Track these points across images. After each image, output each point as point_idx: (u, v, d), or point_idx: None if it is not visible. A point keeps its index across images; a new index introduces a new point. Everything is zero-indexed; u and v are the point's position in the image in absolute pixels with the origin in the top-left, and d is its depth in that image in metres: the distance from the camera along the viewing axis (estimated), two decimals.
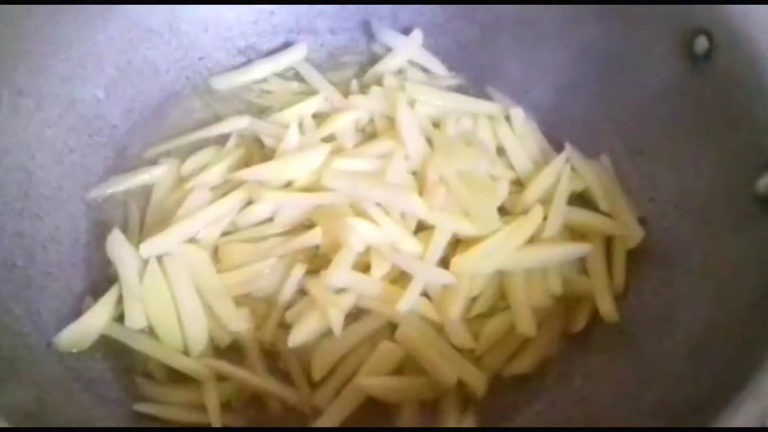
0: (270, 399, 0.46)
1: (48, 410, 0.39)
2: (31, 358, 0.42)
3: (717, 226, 0.47)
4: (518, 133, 0.57)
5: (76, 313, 0.47)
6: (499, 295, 0.50)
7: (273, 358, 0.48)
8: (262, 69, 0.60)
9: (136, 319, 0.46)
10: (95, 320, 0.46)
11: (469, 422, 0.46)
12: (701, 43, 0.48)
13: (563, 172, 0.54)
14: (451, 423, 0.46)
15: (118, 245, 0.49)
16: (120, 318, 0.47)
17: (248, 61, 0.61)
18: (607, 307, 0.49)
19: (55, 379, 0.43)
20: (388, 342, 0.47)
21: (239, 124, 0.57)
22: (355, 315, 0.49)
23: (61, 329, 0.45)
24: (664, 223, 0.52)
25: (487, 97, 0.61)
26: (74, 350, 0.45)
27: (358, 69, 0.62)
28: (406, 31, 0.63)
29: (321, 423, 0.45)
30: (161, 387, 0.46)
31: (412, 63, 0.62)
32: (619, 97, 0.56)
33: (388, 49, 0.62)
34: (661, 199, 0.53)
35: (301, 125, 0.56)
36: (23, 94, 0.49)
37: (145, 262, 0.48)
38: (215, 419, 0.44)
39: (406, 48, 0.62)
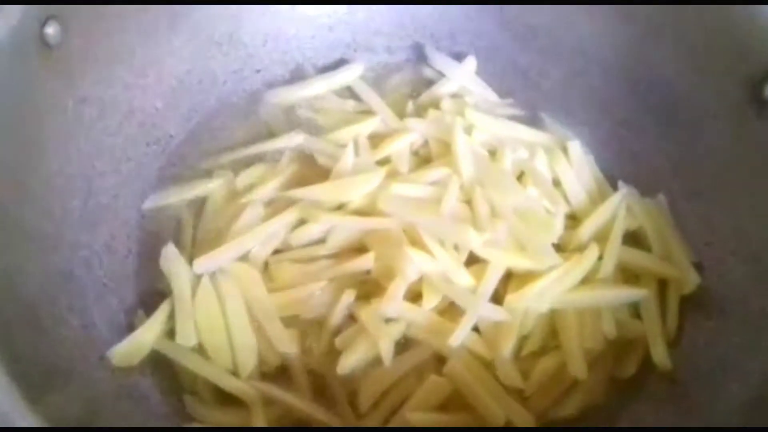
0: (315, 425, 0.46)
1: (98, 424, 0.39)
2: (84, 371, 0.42)
3: None
4: (575, 166, 0.56)
5: (128, 326, 0.47)
6: (550, 335, 0.49)
7: (320, 384, 0.48)
8: (317, 86, 0.60)
9: (187, 336, 0.46)
10: (147, 335, 0.46)
11: None
12: None
13: (619, 209, 0.53)
14: None
15: (172, 259, 0.49)
16: (171, 334, 0.47)
17: (304, 77, 0.61)
18: (660, 354, 0.48)
19: (105, 393, 0.43)
20: (437, 377, 0.47)
21: (294, 140, 0.57)
22: (402, 345, 0.49)
23: (113, 342, 0.45)
24: (721, 270, 0.51)
25: (542, 127, 0.60)
26: (126, 365, 0.45)
27: (413, 90, 0.62)
28: (462, 54, 0.62)
29: None
30: (208, 407, 0.46)
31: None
32: (680, 137, 0.55)
33: (441, 74, 0.61)
34: (718, 244, 0.52)
35: (356, 146, 0.55)
36: (86, 103, 0.49)
37: (198, 278, 0.48)
38: None
39: (459, 74, 0.61)
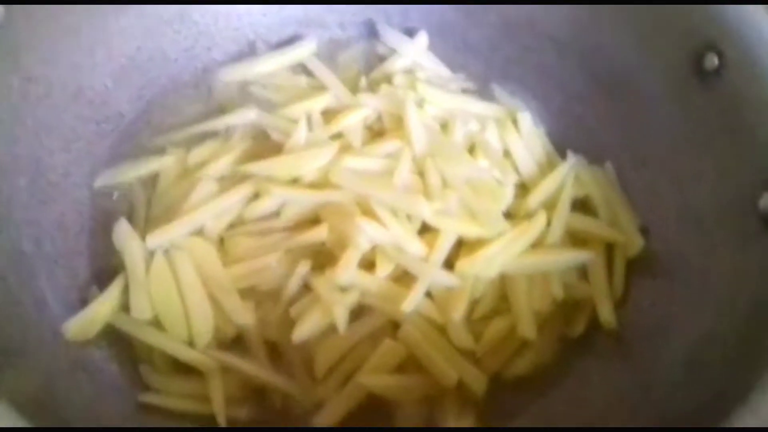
0: (272, 392, 0.47)
1: (55, 398, 0.39)
2: (39, 347, 0.42)
3: (718, 239, 0.48)
4: (525, 138, 0.58)
5: (82, 302, 0.47)
6: (501, 298, 0.51)
7: (276, 352, 0.48)
8: (270, 62, 0.60)
9: (141, 309, 0.47)
10: (101, 309, 0.46)
11: (468, 422, 0.46)
12: (711, 60, 0.49)
13: (567, 178, 0.55)
14: (451, 422, 0.46)
15: (124, 235, 0.49)
16: (125, 308, 0.47)
17: (256, 54, 0.61)
18: (606, 314, 0.50)
19: (61, 368, 0.43)
20: (391, 341, 0.48)
21: (247, 116, 0.57)
22: (357, 313, 0.49)
23: (67, 318, 0.45)
24: (666, 234, 0.52)
25: (493, 100, 0.61)
26: (81, 339, 0.45)
27: (366, 66, 0.62)
28: (414, 30, 0.63)
29: (322, 417, 0.46)
30: (166, 377, 0.46)
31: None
32: (626, 108, 0.56)
33: (394, 50, 0.62)
34: (663, 210, 0.53)
35: (309, 121, 0.56)
36: (32, 81, 0.48)
37: (151, 253, 0.49)
38: (219, 410, 0.44)
39: (411, 50, 0.62)
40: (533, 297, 0.50)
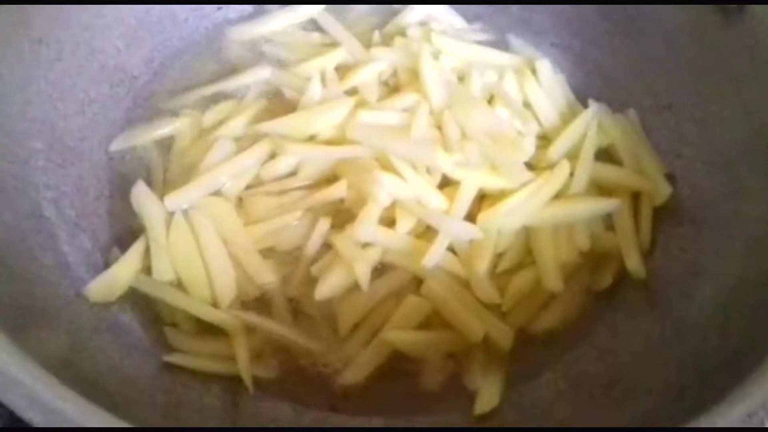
0: (297, 351, 0.47)
1: (81, 359, 0.40)
2: (62, 307, 0.43)
3: (746, 181, 0.47)
4: (545, 87, 0.56)
5: (104, 264, 0.47)
6: (525, 251, 0.50)
7: (299, 311, 0.48)
8: (281, 19, 0.59)
9: (163, 271, 0.46)
10: (123, 272, 0.46)
11: (494, 378, 0.46)
12: None
13: (590, 127, 0.53)
14: (477, 378, 0.46)
15: (143, 198, 0.48)
16: (147, 270, 0.47)
17: (267, 12, 0.60)
18: (634, 263, 0.49)
19: (86, 328, 0.43)
20: (414, 297, 0.47)
21: (260, 75, 0.56)
22: (380, 270, 0.49)
23: (89, 280, 0.45)
24: (692, 179, 0.51)
25: (511, 50, 0.60)
26: (103, 301, 0.45)
27: (379, 20, 0.61)
28: None
29: (348, 375, 0.46)
30: (190, 338, 0.46)
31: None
32: (647, 51, 0.55)
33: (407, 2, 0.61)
34: (689, 154, 0.52)
35: (323, 78, 0.55)
36: (43, 43, 0.48)
37: (171, 215, 0.48)
38: (245, 369, 0.44)
39: (424, 2, 0.60)
40: (558, 249, 0.49)
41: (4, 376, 0.30)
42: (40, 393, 0.30)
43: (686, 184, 0.52)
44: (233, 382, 0.45)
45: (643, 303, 0.48)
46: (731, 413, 0.32)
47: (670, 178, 0.52)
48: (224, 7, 0.59)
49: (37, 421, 0.28)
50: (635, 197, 0.52)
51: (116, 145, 0.52)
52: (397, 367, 0.47)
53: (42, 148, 0.47)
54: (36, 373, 0.31)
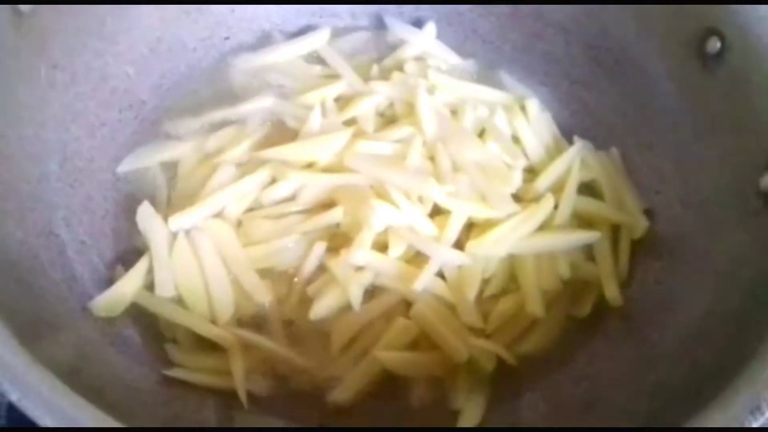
0: (290, 368, 0.49)
1: (87, 370, 0.41)
2: (69, 320, 0.44)
3: (720, 219, 0.49)
4: (533, 123, 0.59)
5: (109, 280, 0.49)
6: (510, 278, 0.52)
7: (294, 330, 0.50)
8: (284, 51, 0.62)
9: (165, 287, 0.49)
10: (127, 288, 0.48)
11: (477, 398, 0.48)
12: (713, 44, 0.50)
13: (574, 162, 0.56)
14: (461, 398, 0.48)
15: (148, 218, 0.51)
16: (150, 287, 0.49)
17: (272, 43, 0.63)
18: (612, 292, 0.52)
19: (91, 341, 0.45)
20: (403, 319, 0.49)
21: (263, 104, 0.58)
22: (371, 293, 0.51)
23: (95, 295, 0.47)
24: (669, 216, 0.54)
25: (502, 86, 0.63)
26: (108, 315, 0.47)
27: (377, 54, 0.64)
28: (424, 19, 0.64)
29: (338, 392, 0.48)
30: (189, 353, 0.48)
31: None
32: (631, 93, 0.58)
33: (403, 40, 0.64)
34: (667, 192, 0.55)
35: (323, 108, 0.58)
36: (59, 69, 0.50)
37: (174, 234, 0.51)
38: (240, 385, 0.46)
39: (420, 40, 0.63)
40: (541, 276, 0.52)
41: (22, 383, 0.32)
42: (55, 401, 0.32)
43: (664, 220, 0.54)
44: (229, 396, 0.47)
45: (620, 331, 0.51)
46: None
47: (649, 213, 0.55)
48: (231, 37, 0.62)
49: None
50: (615, 230, 0.55)
51: (124, 167, 0.55)
52: (386, 386, 0.49)
53: (55, 169, 0.49)
54: (51, 382, 0.33)
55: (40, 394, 0.32)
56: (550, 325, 0.51)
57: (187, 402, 0.46)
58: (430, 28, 0.64)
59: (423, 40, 0.63)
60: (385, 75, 0.61)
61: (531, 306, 0.50)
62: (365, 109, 0.58)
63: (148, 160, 0.56)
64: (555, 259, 0.53)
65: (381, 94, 0.59)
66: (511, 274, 0.52)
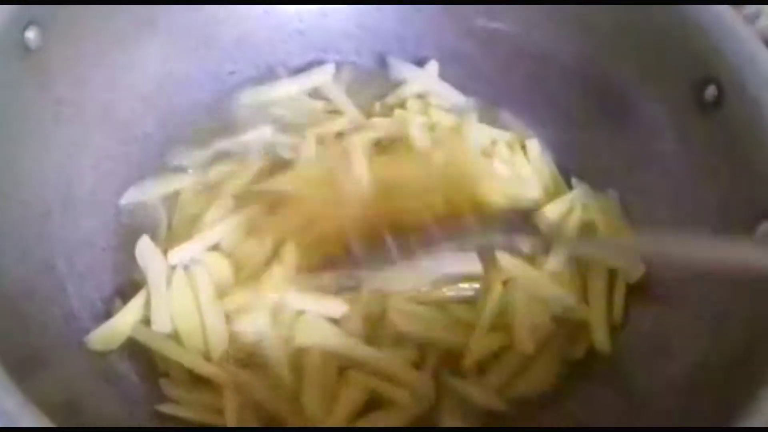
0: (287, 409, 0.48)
1: (80, 407, 0.42)
2: (65, 355, 0.45)
3: None
4: (532, 162, 0.60)
5: (106, 314, 0.50)
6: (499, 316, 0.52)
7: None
8: (289, 87, 0.63)
9: (162, 323, 0.49)
10: (124, 321, 0.49)
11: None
12: (711, 92, 0.51)
13: (575, 204, 0.57)
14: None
15: (147, 252, 0.51)
16: (147, 321, 0.50)
17: (277, 78, 0.64)
18: (600, 338, 0.52)
19: (85, 376, 0.45)
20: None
21: (261, 135, 0.59)
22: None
23: (92, 329, 0.48)
24: (665, 261, 0.54)
25: (503, 125, 0.63)
26: (104, 350, 0.48)
27: (380, 91, 0.64)
28: (427, 58, 0.65)
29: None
30: (183, 389, 0.49)
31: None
32: (632, 138, 0.58)
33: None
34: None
35: (321, 140, 0.58)
36: (65, 103, 0.51)
37: (172, 268, 0.51)
38: (232, 422, 0.47)
39: (422, 79, 0.64)
40: (532, 312, 0.52)
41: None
42: None
43: (659, 265, 0.54)
44: None
45: (613, 378, 0.51)
46: None
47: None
48: (237, 72, 0.63)
49: None
50: (611, 275, 0.55)
51: (126, 199, 0.55)
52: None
53: (58, 202, 0.50)
54: (38, 419, 0.34)
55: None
56: (542, 369, 0.51)
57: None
58: (432, 66, 0.65)
59: (425, 78, 0.64)
60: (386, 112, 0.62)
61: (520, 342, 0.51)
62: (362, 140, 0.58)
63: (150, 192, 0.56)
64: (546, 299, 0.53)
65: (381, 128, 0.59)
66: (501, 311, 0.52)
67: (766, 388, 0.38)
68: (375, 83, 0.65)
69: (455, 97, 0.64)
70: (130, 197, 0.56)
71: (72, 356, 0.46)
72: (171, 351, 0.49)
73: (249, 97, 0.62)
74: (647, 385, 0.48)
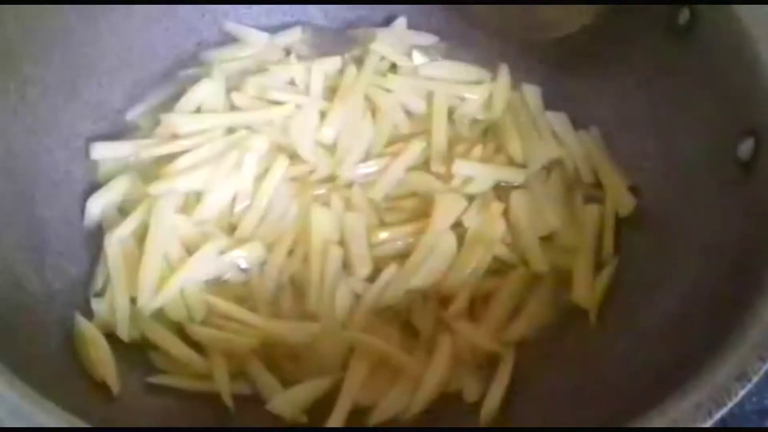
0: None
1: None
2: (46, 333, 0.44)
3: (703, 190, 0.49)
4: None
5: (83, 289, 0.49)
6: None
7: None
8: (256, 43, 0.62)
9: (147, 299, 0.48)
10: (108, 300, 0.48)
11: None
12: (683, 15, 0.50)
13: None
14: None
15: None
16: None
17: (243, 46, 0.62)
18: (582, 293, 0.51)
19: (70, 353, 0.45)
20: None
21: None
22: None
23: (75, 308, 0.47)
24: (654, 191, 0.54)
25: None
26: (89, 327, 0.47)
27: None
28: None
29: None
30: (172, 360, 0.48)
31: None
32: (610, 73, 0.58)
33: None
34: (650, 167, 0.54)
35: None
36: (28, 84, 0.50)
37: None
38: (224, 388, 0.46)
39: (391, 36, 0.63)
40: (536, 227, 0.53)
41: None
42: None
43: (649, 196, 0.54)
44: (215, 399, 0.46)
45: (609, 313, 0.50)
46: (682, 404, 0.34)
47: (634, 190, 0.55)
48: (202, 42, 0.62)
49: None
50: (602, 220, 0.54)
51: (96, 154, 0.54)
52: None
53: (30, 183, 0.49)
54: (19, 388, 0.33)
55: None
56: (538, 310, 0.51)
57: (172, 409, 0.46)
58: (401, 22, 0.64)
59: (394, 31, 0.63)
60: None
61: (535, 263, 0.51)
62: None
63: (123, 150, 0.55)
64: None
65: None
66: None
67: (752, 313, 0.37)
68: (343, 43, 0.63)
69: (427, 40, 0.64)
70: (103, 166, 0.55)
71: (54, 333, 0.45)
72: (155, 332, 0.48)
73: (214, 56, 0.61)
74: (644, 315, 0.47)
